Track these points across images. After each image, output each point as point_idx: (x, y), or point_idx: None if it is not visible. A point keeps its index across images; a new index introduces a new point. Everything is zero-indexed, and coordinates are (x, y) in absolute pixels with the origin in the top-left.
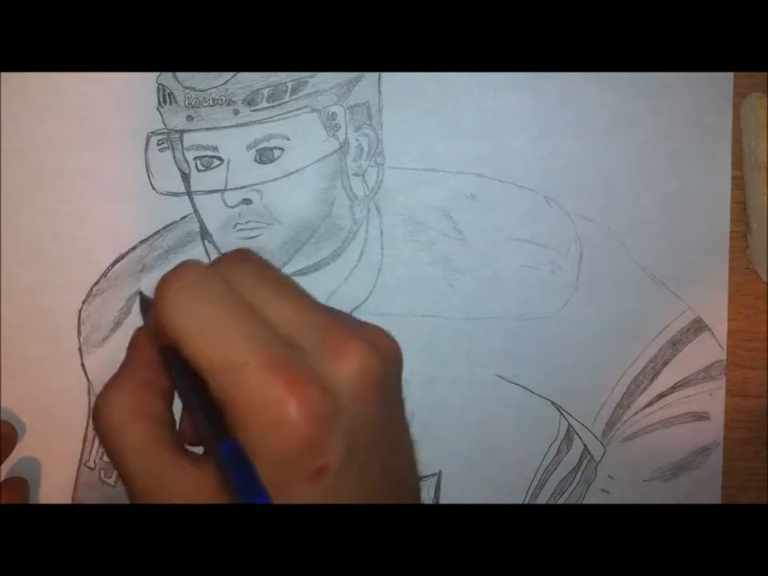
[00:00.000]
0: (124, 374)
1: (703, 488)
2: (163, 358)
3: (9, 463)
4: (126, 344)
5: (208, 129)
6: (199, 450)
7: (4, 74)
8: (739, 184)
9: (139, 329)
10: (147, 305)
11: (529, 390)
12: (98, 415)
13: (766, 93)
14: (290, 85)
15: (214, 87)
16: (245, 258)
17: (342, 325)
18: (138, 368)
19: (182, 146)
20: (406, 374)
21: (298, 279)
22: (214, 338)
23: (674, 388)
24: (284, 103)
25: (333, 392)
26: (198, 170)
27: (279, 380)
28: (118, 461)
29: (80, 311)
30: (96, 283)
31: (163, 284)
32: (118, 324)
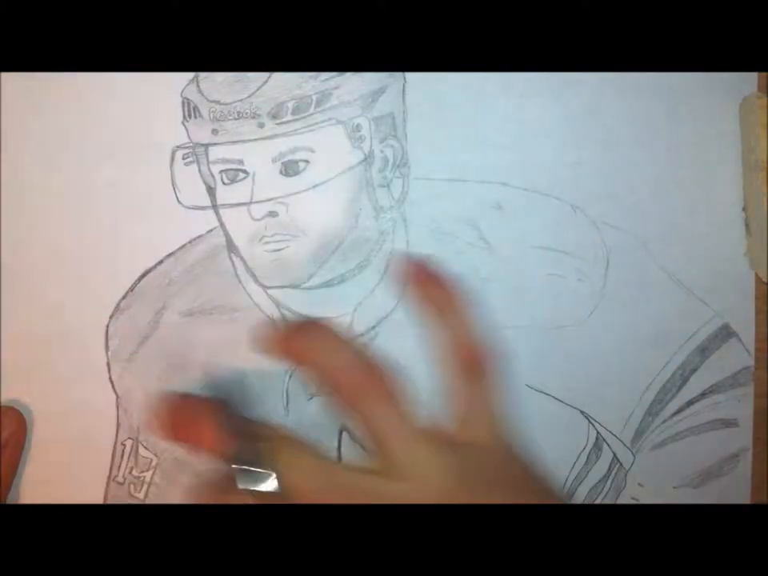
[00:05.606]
0: None
1: (733, 494)
2: None
3: (37, 478)
4: (154, 357)
5: (233, 142)
6: None
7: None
8: None
9: None
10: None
11: (557, 399)
12: None
13: (765, 93)
14: (314, 97)
15: (239, 100)
16: None
17: None
18: None
19: (208, 159)
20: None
21: (324, 291)
22: None
23: (702, 395)
24: (309, 116)
25: None
26: (224, 184)
27: None
28: None
29: (107, 326)
30: (123, 298)
31: None
32: (145, 338)
